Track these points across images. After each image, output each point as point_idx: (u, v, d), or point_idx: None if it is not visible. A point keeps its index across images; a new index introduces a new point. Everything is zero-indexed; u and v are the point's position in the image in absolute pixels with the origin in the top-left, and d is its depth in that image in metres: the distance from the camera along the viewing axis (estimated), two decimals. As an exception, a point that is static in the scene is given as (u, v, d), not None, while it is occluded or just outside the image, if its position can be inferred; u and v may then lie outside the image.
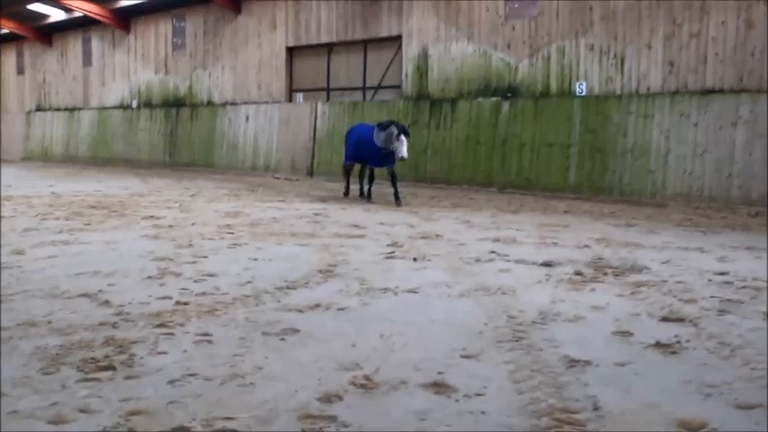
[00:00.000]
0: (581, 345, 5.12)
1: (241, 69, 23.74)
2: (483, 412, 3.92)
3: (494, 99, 17.45)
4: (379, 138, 14.18)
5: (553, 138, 16.28)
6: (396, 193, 14.46)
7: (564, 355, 4.89)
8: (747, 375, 4.54)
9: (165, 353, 4.89)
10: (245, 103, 23.48)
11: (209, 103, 24.75)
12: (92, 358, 4.72)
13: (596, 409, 3.96)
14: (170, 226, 10.97)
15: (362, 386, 4.28)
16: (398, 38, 19.50)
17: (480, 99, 17.69)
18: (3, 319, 5.63)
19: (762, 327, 5.65)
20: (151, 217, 12.00)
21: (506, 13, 17.28)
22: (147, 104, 27.27)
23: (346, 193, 15.93)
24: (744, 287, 7.08)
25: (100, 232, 10.30)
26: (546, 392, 4.20)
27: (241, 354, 4.89)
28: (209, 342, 5.14)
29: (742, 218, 12.59)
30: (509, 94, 17.23)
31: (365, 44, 20.56)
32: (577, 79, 16.11)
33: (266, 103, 22.85)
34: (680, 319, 5.83)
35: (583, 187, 15.66)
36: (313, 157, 21.22)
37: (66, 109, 31.33)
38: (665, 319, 5.85)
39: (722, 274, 7.73)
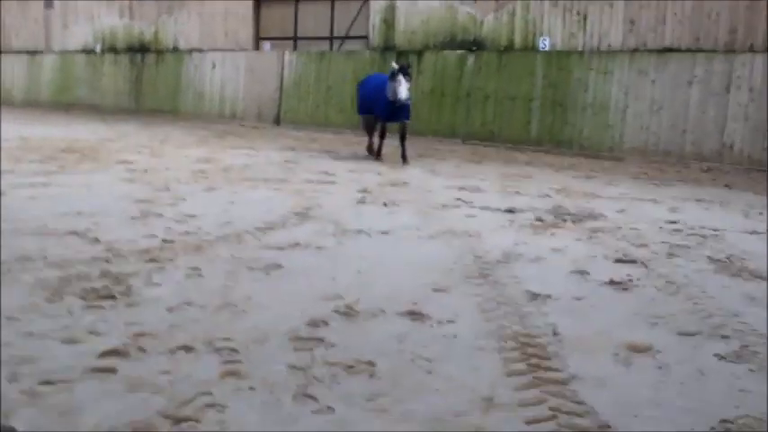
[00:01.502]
0: (542, 281, 5.61)
1: (207, 17, 23.65)
2: (455, 336, 4.39)
3: (459, 52, 17.77)
4: (390, 90, 12.61)
5: (516, 91, 16.70)
6: (403, 151, 13.19)
7: (526, 290, 5.37)
8: (690, 309, 5.07)
9: (159, 284, 5.28)
10: (212, 50, 23.46)
11: (175, 50, 24.65)
12: (92, 288, 5.09)
13: (555, 334, 4.45)
14: (144, 170, 11.22)
15: (345, 314, 4.73)
16: (366, -11, 19.69)
17: (446, 51, 18.00)
18: None
19: (705, 268, 6.19)
20: (124, 161, 12.21)
21: (473, -32, 17.54)
22: (112, 49, 27.03)
23: (370, 151, 14.09)
24: (691, 234, 7.63)
25: (76, 175, 10.53)
26: (510, 321, 4.68)
27: (230, 285, 5.29)
28: (200, 275, 5.53)
29: (694, 172, 13.19)
30: (474, 48, 17.57)
31: (333, -6, 20.71)
32: (541, 35, 16.49)
33: (233, 50, 22.89)
34: (632, 261, 6.35)
35: (544, 140, 16.15)
36: (280, 106, 21.40)
37: (27, 52, 30.92)
38: (618, 261, 6.37)
39: (672, 222, 8.28)
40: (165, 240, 6.62)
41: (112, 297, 4.93)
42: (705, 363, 4.09)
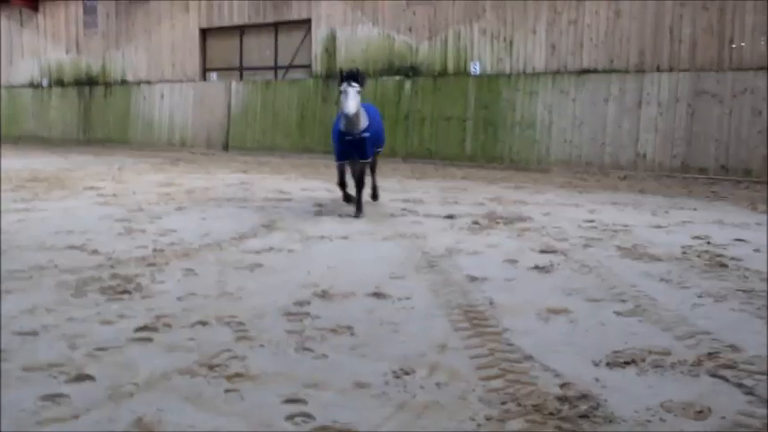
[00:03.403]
0: (480, 268, 6.82)
1: (155, 49, 24.50)
2: (412, 308, 5.55)
3: (397, 77, 19.07)
4: (340, 105, 9.84)
5: (451, 112, 18.06)
6: (358, 198, 10.10)
7: (467, 274, 6.58)
8: (598, 283, 6.32)
9: (163, 282, 6.32)
10: (160, 81, 24.35)
11: (124, 82, 25.47)
12: (108, 287, 6.11)
13: (491, 303, 5.64)
14: (114, 195, 12.14)
15: (323, 296, 5.85)
16: (308, 21, 20.83)
17: (385, 77, 19.28)
18: (12, 265, 6.91)
19: (613, 255, 7.48)
20: (92, 188, 13.10)
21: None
22: (59, 83, 27.70)
23: (344, 197, 10.68)
24: (605, 230, 8.94)
25: (52, 201, 11.40)
26: (455, 296, 5.86)
27: (223, 280, 6.38)
28: (195, 274, 6.60)
29: (613, 180, 14.61)
30: (411, 73, 18.88)
31: (276, 26, 21.80)
32: (472, 60, 17.88)
33: (181, 81, 23.83)
34: (554, 251, 7.61)
35: (477, 156, 17.49)
36: (228, 133, 22.41)
37: (-31, 87, 31.28)
38: (542, 251, 7.62)
39: (590, 221, 9.58)
40: (155, 249, 7.65)
41: (128, 292, 5.96)
42: (606, 318, 5.32)
